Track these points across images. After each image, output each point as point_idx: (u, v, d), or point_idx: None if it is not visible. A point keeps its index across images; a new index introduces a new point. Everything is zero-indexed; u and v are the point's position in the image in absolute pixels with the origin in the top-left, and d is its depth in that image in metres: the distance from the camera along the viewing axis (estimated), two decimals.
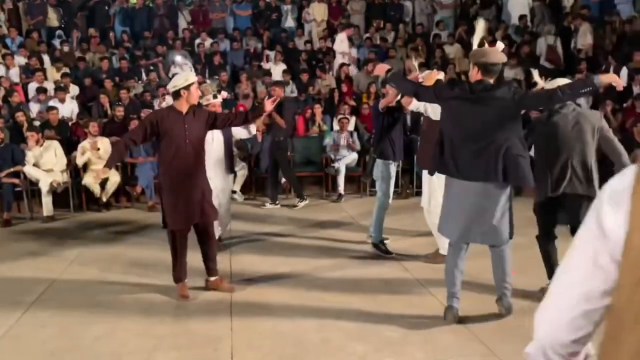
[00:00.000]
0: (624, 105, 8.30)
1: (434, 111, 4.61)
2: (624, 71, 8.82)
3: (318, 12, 12.48)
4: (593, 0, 11.24)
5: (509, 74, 9.99)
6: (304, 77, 10.27)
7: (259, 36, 12.16)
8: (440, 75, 4.36)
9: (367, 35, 11.89)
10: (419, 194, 7.86)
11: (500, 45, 3.55)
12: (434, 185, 4.75)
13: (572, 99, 3.54)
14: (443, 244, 4.62)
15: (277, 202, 7.46)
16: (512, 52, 10.31)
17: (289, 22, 12.50)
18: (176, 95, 4.02)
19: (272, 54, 11.28)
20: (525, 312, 3.60)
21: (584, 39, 10.21)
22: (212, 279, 4.35)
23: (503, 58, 3.49)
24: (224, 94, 5.70)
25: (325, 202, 7.79)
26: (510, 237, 3.61)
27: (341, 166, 7.84)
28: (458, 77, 10.25)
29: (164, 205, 4.18)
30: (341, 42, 11.25)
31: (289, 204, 7.63)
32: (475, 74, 3.44)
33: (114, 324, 3.83)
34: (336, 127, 8.66)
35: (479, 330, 3.59)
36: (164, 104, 7.48)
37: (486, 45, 3.47)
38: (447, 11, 12.42)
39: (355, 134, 8.39)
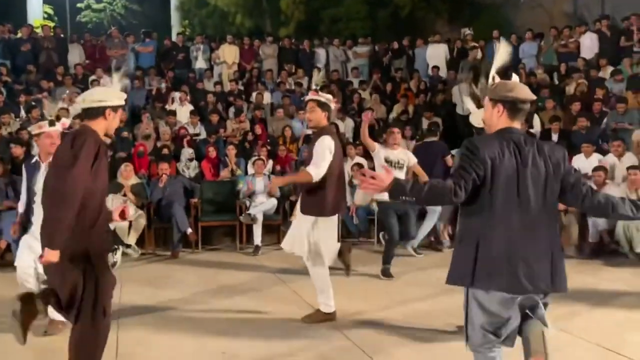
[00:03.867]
0: None
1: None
2: (536, 120, 8.87)
3: (229, 55, 11.84)
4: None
5: (424, 124, 9.82)
6: (214, 118, 9.43)
7: (163, 76, 11.22)
8: None
9: (280, 79, 11.36)
10: None
11: (515, 78, 2.64)
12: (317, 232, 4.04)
13: None
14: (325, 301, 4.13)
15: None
16: (429, 102, 10.22)
17: (200, 63, 11.70)
18: None
19: (177, 94, 10.35)
20: None
21: None
22: None
23: (530, 96, 2.48)
24: (65, 122, 4.03)
25: (241, 255, 6.78)
26: None
27: (258, 214, 6.91)
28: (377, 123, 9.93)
29: None
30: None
31: (194, 258, 6.54)
32: (497, 117, 2.44)
33: None
34: (251, 170, 7.81)
35: None
36: None
37: (514, 77, 2.61)
38: (361, 59, 12.26)
39: (272, 179, 7.55)
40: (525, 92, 2.46)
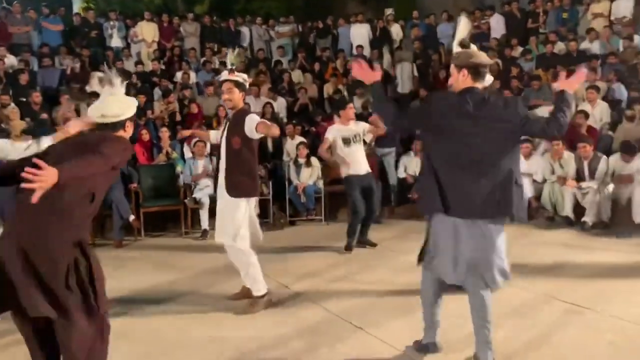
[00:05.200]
0: None
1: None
2: None
3: (147, 32, 11.23)
4: (415, 34, 11.95)
5: (356, 102, 10.00)
6: (140, 100, 8.93)
7: (76, 55, 10.42)
8: None
9: (205, 58, 10.99)
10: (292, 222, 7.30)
11: (474, 47, 3.02)
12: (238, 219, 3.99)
13: (563, 127, 2.96)
14: (257, 288, 4.06)
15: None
16: (359, 82, 10.37)
17: (116, 42, 10.98)
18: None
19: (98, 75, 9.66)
20: None
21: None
22: None
23: (488, 60, 2.94)
24: None
25: (189, 240, 6.58)
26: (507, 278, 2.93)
27: (203, 197, 6.72)
28: (311, 101, 9.98)
29: None
30: None
31: (141, 246, 6.25)
32: (462, 79, 2.83)
33: None
34: (188, 153, 7.55)
35: None
36: None
37: (473, 47, 2.97)
38: (285, 39, 12.17)
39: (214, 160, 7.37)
40: (484, 58, 2.89)
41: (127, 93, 8.14)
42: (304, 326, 3.72)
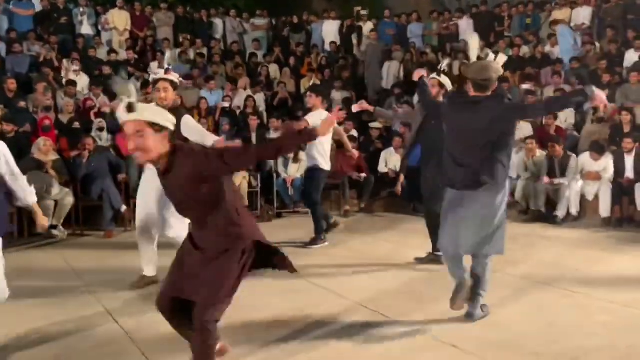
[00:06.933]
0: None
1: None
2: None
3: (119, 21, 11.00)
4: (388, 33, 12.28)
5: (335, 95, 10.23)
6: None
7: (45, 41, 10.10)
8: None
9: (181, 49, 10.90)
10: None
11: (502, 58, 3.51)
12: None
13: (560, 109, 3.72)
14: (147, 267, 4.30)
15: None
16: (336, 76, 10.62)
17: (86, 29, 10.71)
18: None
19: (67, 62, 9.45)
20: None
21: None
22: None
23: (496, 72, 3.38)
24: None
25: None
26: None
27: None
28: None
29: None
30: None
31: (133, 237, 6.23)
32: (469, 90, 3.46)
33: None
34: None
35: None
36: None
37: (491, 56, 3.47)
38: (261, 32, 12.21)
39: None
40: (486, 74, 3.32)
41: (100, 82, 7.82)
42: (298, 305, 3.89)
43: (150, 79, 4.51)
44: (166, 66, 4.25)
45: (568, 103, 3.68)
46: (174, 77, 4.18)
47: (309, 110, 5.89)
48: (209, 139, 4.09)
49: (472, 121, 3.33)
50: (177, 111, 4.06)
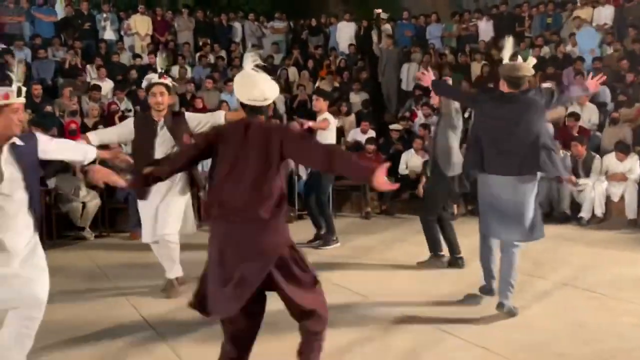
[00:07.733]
0: None
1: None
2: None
3: (141, 26, 11.18)
4: (407, 35, 12.27)
5: (354, 98, 10.25)
6: (141, 93, 8.93)
7: (69, 47, 10.30)
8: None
9: (201, 53, 11.03)
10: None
11: (531, 60, 3.80)
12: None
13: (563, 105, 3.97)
14: (177, 272, 4.30)
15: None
16: (354, 78, 10.65)
17: (109, 34, 10.89)
18: None
19: (91, 68, 9.64)
20: None
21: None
22: None
23: (528, 71, 3.67)
24: None
25: (203, 233, 6.67)
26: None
27: None
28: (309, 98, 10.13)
29: None
30: None
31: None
32: (502, 87, 3.71)
33: None
34: None
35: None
36: None
37: (520, 59, 3.77)
38: (279, 35, 12.29)
39: None
40: (520, 72, 3.59)
41: (126, 86, 7.75)
42: None
43: (143, 84, 4.50)
44: (159, 70, 4.28)
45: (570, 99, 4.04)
46: (168, 81, 4.21)
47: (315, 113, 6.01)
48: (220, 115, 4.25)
49: (512, 113, 3.60)
50: (179, 114, 4.26)
